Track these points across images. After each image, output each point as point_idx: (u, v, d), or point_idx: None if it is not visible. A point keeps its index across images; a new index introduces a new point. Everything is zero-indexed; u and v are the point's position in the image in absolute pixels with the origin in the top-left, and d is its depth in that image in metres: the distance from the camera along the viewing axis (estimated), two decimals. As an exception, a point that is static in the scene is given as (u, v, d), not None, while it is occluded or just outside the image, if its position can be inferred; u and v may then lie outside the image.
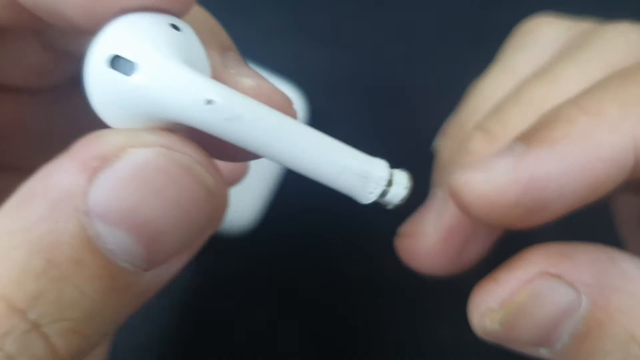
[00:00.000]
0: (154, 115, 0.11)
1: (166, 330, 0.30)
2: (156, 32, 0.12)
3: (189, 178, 0.12)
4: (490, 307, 0.16)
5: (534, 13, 0.37)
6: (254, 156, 0.13)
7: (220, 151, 0.13)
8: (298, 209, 0.33)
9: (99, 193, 0.11)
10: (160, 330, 0.30)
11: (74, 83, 0.17)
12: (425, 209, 0.21)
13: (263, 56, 0.36)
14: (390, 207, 0.13)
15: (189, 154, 0.12)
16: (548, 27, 0.22)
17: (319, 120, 0.36)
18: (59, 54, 0.17)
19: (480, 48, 0.37)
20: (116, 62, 0.11)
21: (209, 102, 0.11)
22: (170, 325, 0.31)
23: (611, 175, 0.15)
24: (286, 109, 0.13)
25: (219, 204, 0.12)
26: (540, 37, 0.23)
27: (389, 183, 0.13)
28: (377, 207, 0.13)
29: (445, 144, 0.24)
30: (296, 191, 0.33)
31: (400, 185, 0.13)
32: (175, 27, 0.12)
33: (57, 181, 0.11)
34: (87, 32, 0.13)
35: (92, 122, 0.13)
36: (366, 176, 0.12)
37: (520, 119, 0.18)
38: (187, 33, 0.12)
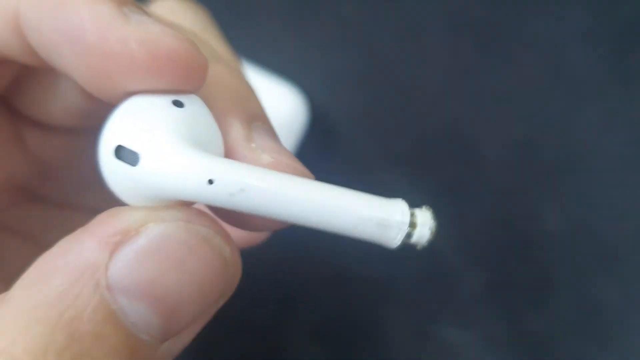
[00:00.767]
0: (165, 197, 0.12)
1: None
2: (157, 116, 0.12)
3: (208, 249, 0.12)
4: None
5: (537, 13, 0.37)
6: (273, 226, 0.13)
7: (239, 221, 0.14)
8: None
9: (121, 267, 0.11)
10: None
11: None
12: None
13: (266, 58, 0.36)
14: (419, 247, 0.13)
15: (207, 225, 0.12)
16: None
17: (320, 120, 0.36)
18: (100, 100, 0.17)
19: (484, 48, 0.37)
20: (121, 151, 0.12)
21: (211, 181, 0.11)
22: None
23: None
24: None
25: (234, 273, 0.12)
26: None
27: (412, 225, 0.12)
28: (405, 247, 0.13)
29: None
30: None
31: (424, 226, 0.12)
32: (178, 103, 0.12)
33: (78, 256, 0.11)
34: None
35: None
36: (385, 223, 0.12)
37: None
38: (192, 106, 0.12)
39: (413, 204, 0.13)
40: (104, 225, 0.12)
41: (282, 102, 0.35)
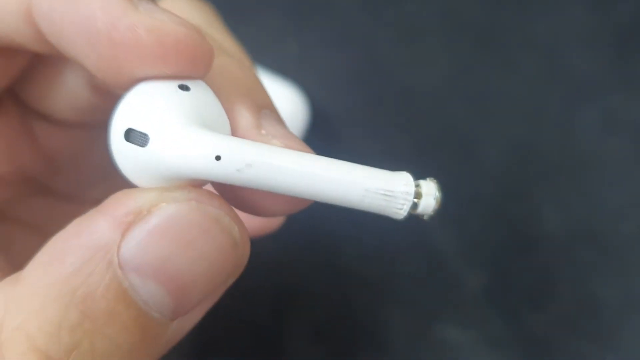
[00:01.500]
0: (174, 176, 0.12)
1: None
2: (165, 99, 0.12)
3: (218, 229, 0.12)
4: None
5: (537, 14, 0.37)
6: (279, 210, 0.14)
7: (247, 205, 0.14)
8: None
9: (133, 246, 0.11)
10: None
11: None
12: None
13: (266, 57, 0.36)
14: (425, 217, 0.13)
15: (217, 206, 0.12)
16: None
17: (321, 120, 0.36)
18: (108, 95, 0.17)
19: (484, 48, 0.37)
20: (131, 134, 0.12)
21: (218, 158, 0.12)
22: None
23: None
24: None
25: (243, 254, 0.13)
26: None
27: (418, 195, 0.12)
28: (413, 219, 0.13)
29: None
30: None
31: (429, 195, 0.13)
32: (184, 87, 0.13)
33: (91, 236, 0.12)
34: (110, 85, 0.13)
35: None
36: (390, 194, 0.12)
37: None
38: (198, 90, 0.13)
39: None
40: (117, 205, 0.12)
41: (282, 102, 0.35)
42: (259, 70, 0.36)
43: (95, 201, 0.20)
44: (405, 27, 0.38)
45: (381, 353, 0.31)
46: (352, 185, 0.12)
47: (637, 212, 0.33)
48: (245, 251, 0.13)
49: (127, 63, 0.12)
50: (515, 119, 0.36)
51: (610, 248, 0.33)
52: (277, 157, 0.12)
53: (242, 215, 0.13)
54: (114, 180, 0.19)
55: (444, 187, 0.34)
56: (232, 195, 0.13)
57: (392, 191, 0.12)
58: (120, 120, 0.12)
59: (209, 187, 0.14)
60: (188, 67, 0.13)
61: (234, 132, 0.13)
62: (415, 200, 0.12)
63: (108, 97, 0.17)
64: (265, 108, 0.14)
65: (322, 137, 0.36)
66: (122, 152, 0.12)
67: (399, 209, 0.12)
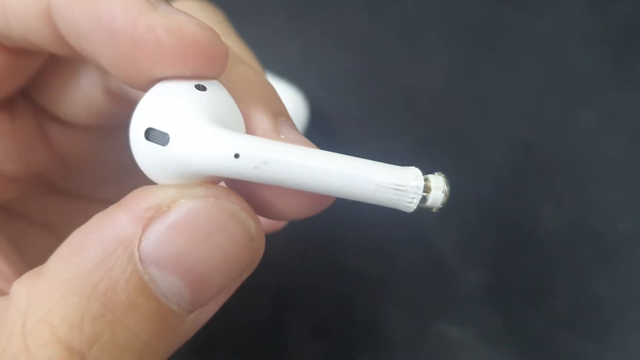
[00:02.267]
0: (193, 173, 0.12)
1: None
2: (183, 99, 0.13)
3: (235, 224, 0.12)
4: None
5: (537, 14, 0.37)
6: (292, 214, 0.14)
7: (264, 208, 0.14)
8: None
9: (153, 241, 0.12)
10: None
11: None
12: None
13: (267, 57, 0.36)
14: (434, 210, 0.13)
15: (234, 202, 0.13)
16: None
17: (321, 120, 0.36)
18: (121, 100, 0.18)
19: (484, 48, 0.38)
20: (151, 133, 0.12)
21: (237, 155, 0.12)
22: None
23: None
24: None
25: (258, 248, 0.13)
26: None
27: (427, 189, 0.13)
28: (418, 212, 0.13)
29: None
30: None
31: (438, 189, 0.13)
32: (201, 87, 0.13)
33: (112, 230, 0.12)
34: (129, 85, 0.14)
35: None
36: (401, 188, 0.13)
37: None
38: (214, 90, 0.13)
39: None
40: (137, 201, 0.12)
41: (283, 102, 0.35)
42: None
43: (107, 201, 0.20)
44: (406, 27, 0.38)
45: (381, 350, 0.31)
46: (365, 180, 0.13)
47: (636, 210, 0.34)
48: (260, 245, 0.13)
49: (146, 63, 0.13)
50: (514, 119, 0.36)
51: (609, 246, 0.33)
52: (292, 154, 0.12)
53: None
54: (125, 181, 0.19)
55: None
56: (248, 198, 0.13)
57: (403, 185, 0.13)
58: (140, 120, 0.13)
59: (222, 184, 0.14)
60: (206, 67, 0.13)
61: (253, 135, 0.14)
62: (425, 194, 0.13)
63: (121, 101, 0.18)
64: (281, 115, 0.14)
65: (322, 137, 0.36)
66: (142, 151, 0.13)
67: (409, 203, 0.13)
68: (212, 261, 0.12)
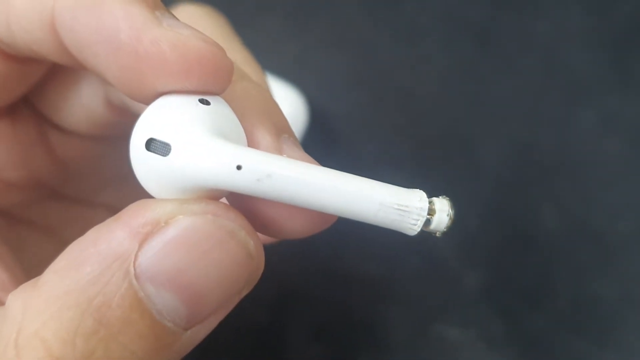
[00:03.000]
0: (193, 186, 0.12)
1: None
2: (186, 111, 0.12)
3: (233, 242, 0.12)
4: None
5: (536, 14, 0.37)
6: (293, 233, 0.14)
7: (265, 225, 0.14)
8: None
9: (149, 257, 0.12)
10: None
11: None
12: None
13: (266, 59, 0.36)
14: (438, 234, 0.13)
15: (233, 219, 0.12)
16: None
17: (320, 121, 0.36)
18: (122, 111, 0.18)
19: (483, 49, 0.38)
20: (152, 144, 0.12)
21: (239, 167, 0.12)
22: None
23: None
24: None
25: (257, 266, 0.13)
26: None
27: (431, 212, 0.13)
28: (423, 243, 0.13)
29: None
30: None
31: (442, 212, 0.13)
32: (205, 101, 0.13)
33: (108, 245, 0.12)
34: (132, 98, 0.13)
35: None
36: (405, 209, 0.12)
37: None
38: (217, 105, 0.13)
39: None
40: (135, 215, 0.12)
41: (282, 103, 0.35)
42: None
43: (107, 205, 0.20)
44: (405, 28, 0.38)
45: (381, 352, 0.31)
46: (368, 199, 0.12)
47: (635, 211, 0.34)
48: (260, 263, 0.13)
49: (150, 77, 0.12)
50: (513, 119, 0.36)
51: (609, 246, 0.33)
52: (295, 169, 0.12)
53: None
54: (126, 185, 0.19)
55: (443, 187, 0.34)
56: (249, 214, 0.13)
57: (406, 206, 0.12)
58: (142, 130, 0.12)
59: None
60: (210, 82, 0.13)
61: None
62: (429, 216, 0.13)
63: (122, 113, 0.18)
64: (284, 132, 0.14)
65: (321, 138, 0.36)
66: (142, 162, 0.12)
67: (413, 225, 0.13)
68: (209, 279, 0.12)
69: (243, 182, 0.12)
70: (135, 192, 0.13)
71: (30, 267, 0.17)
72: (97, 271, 0.12)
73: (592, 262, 0.33)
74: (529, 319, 0.32)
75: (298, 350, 0.31)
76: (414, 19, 0.38)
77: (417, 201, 0.13)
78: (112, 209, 0.13)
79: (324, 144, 0.36)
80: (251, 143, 0.14)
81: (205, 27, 0.18)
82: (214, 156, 0.12)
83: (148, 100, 0.13)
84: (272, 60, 0.37)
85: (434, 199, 0.13)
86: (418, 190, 0.13)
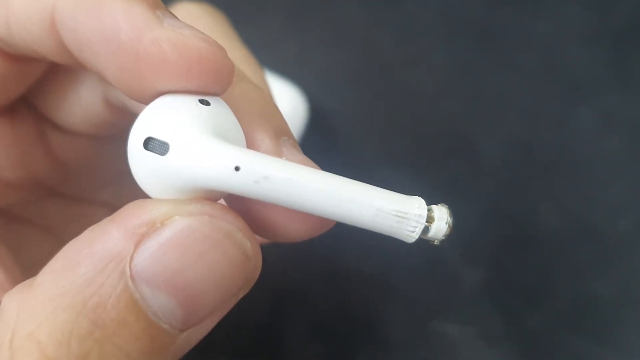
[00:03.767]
0: (190, 186, 0.12)
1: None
2: (185, 111, 0.12)
3: (230, 244, 0.12)
4: None
5: (536, 14, 0.37)
6: (290, 237, 0.14)
7: (263, 228, 0.14)
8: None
9: (145, 258, 0.12)
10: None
11: None
12: None
13: (266, 57, 0.36)
14: (436, 242, 0.13)
15: (230, 221, 0.12)
16: None
17: (320, 119, 0.36)
18: (121, 111, 0.18)
19: (483, 48, 0.38)
20: (151, 143, 0.12)
21: (237, 168, 0.12)
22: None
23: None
24: None
25: (254, 268, 0.13)
26: None
27: (430, 219, 0.13)
28: (423, 243, 0.13)
29: None
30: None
31: (441, 220, 0.13)
32: (204, 102, 0.13)
33: (104, 246, 0.12)
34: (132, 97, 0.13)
35: None
36: (403, 216, 0.12)
37: None
38: (217, 106, 0.13)
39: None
40: (130, 216, 0.12)
41: (282, 102, 0.35)
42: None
43: (106, 204, 0.20)
44: (405, 27, 0.38)
45: (380, 350, 0.31)
46: (366, 204, 0.12)
47: (635, 210, 0.34)
48: (257, 265, 0.13)
49: (150, 77, 0.12)
50: (513, 118, 0.36)
51: (608, 245, 0.33)
52: (293, 172, 0.12)
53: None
54: (125, 184, 0.19)
55: (442, 185, 0.34)
56: (247, 217, 0.13)
57: (405, 213, 0.12)
58: (141, 129, 0.12)
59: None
60: (210, 83, 0.13)
61: None
62: (427, 224, 0.13)
63: (121, 113, 0.18)
64: (283, 135, 0.14)
65: (321, 137, 0.36)
66: (139, 161, 0.12)
67: (411, 232, 0.12)
68: (205, 280, 0.12)
69: (241, 184, 0.12)
70: (135, 191, 0.13)
71: (29, 267, 0.17)
72: (93, 272, 0.11)
73: (592, 261, 0.33)
74: (529, 317, 0.32)
75: (296, 349, 0.31)
76: (415, 18, 0.38)
77: (415, 208, 0.12)
78: (112, 208, 0.13)
79: (324, 142, 0.36)
80: (251, 145, 0.13)
81: (204, 25, 0.18)
82: (212, 157, 0.12)
83: (148, 100, 0.13)
84: (272, 58, 0.37)
85: (433, 206, 0.13)
86: (417, 197, 0.13)
